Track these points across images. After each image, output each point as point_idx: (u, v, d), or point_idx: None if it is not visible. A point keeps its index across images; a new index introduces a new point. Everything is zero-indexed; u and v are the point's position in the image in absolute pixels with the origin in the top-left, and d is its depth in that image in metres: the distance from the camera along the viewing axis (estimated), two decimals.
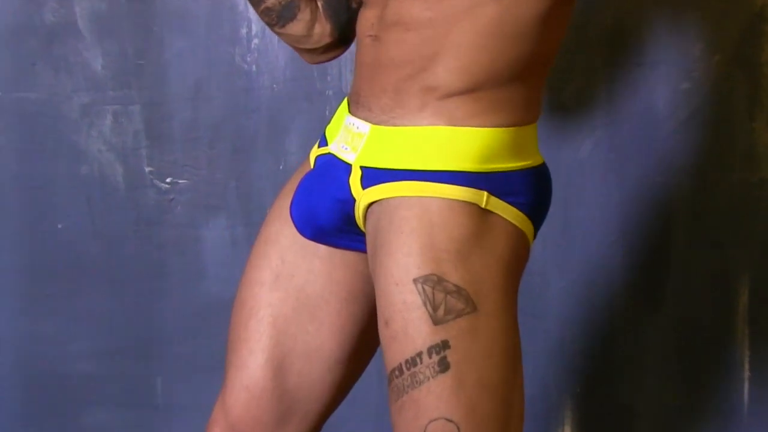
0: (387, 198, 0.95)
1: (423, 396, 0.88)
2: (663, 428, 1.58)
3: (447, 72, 0.92)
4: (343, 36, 1.06)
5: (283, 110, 1.55)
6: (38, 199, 1.59)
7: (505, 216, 0.94)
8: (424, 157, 0.94)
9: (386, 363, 0.92)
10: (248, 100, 1.55)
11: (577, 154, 1.52)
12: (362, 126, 0.98)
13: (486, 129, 0.94)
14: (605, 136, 1.52)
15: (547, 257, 1.54)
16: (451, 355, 0.88)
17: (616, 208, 1.54)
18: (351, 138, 0.99)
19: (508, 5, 0.90)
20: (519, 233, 0.96)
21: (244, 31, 1.53)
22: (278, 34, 1.07)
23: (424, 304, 0.89)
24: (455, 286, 0.89)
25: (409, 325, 0.90)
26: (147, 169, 1.58)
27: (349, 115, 1.01)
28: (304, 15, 1.04)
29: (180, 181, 1.58)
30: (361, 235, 1.01)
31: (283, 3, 1.04)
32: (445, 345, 0.89)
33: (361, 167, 0.98)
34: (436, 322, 0.89)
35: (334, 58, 1.09)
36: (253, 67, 1.53)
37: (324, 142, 1.06)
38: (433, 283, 0.89)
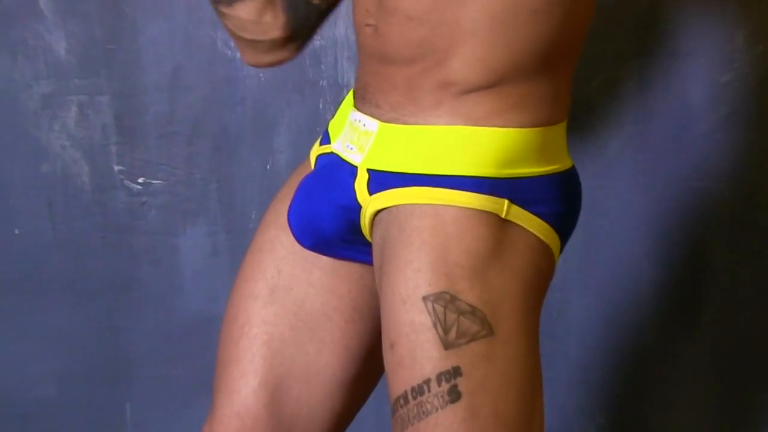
0: (397, 205, 0.95)
1: (430, 429, 0.88)
2: None
3: (464, 65, 0.92)
4: (296, 35, 1.05)
5: (271, 103, 1.55)
6: None
7: (528, 227, 0.94)
8: (439, 160, 0.94)
9: (390, 390, 0.92)
10: (232, 91, 1.55)
11: (603, 154, 1.53)
12: (370, 123, 0.98)
13: (509, 129, 0.94)
14: (635, 135, 1.52)
15: (568, 271, 1.54)
16: (462, 384, 0.88)
17: (647, 215, 1.54)
18: (357, 136, 0.99)
19: None
20: (543, 247, 0.95)
21: None
22: (222, 15, 1.04)
23: (435, 325, 0.89)
24: (470, 306, 0.89)
25: (416, 348, 0.89)
26: (116, 168, 1.58)
27: (355, 110, 1.01)
28: None
29: (154, 182, 1.59)
30: (368, 245, 1.01)
31: None
32: (456, 372, 0.89)
33: (368, 170, 0.98)
34: (447, 346, 0.89)
35: (277, 63, 1.06)
36: (238, 54, 1.53)
37: (326, 140, 1.06)
38: (445, 302, 0.89)
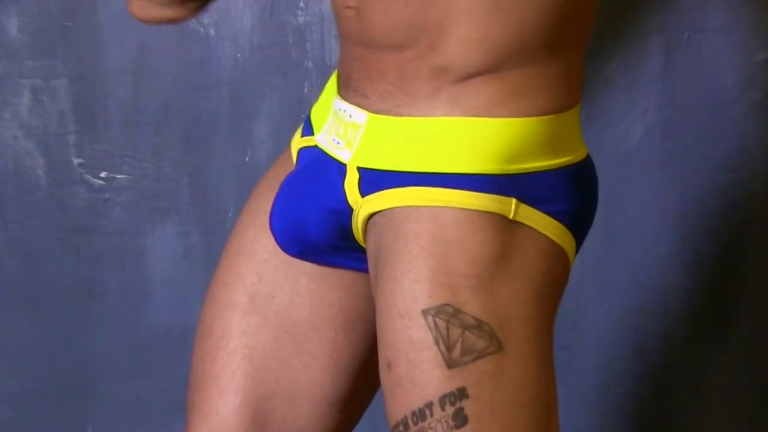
0: (391, 208, 0.95)
1: None
2: None
3: (460, 48, 0.92)
4: None
5: (250, 86, 1.55)
6: None
7: (539, 229, 0.94)
8: (437, 156, 0.94)
9: (388, 415, 0.92)
10: (205, 74, 1.54)
11: (624, 144, 1.53)
12: (357, 114, 0.98)
13: (514, 119, 0.94)
14: (659, 121, 1.52)
15: (584, 275, 1.54)
16: (469, 407, 0.88)
17: (672, 212, 1.54)
18: (344, 129, 0.99)
19: None
20: (556, 250, 0.95)
21: None
22: None
23: (436, 342, 0.89)
24: (475, 319, 0.89)
25: (416, 368, 0.89)
26: (76, 161, 1.58)
27: (339, 98, 1.01)
28: None
29: (118, 177, 1.58)
30: (362, 251, 1.01)
31: None
32: (461, 394, 0.88)
33: (359, 168, 0.97)
34: (450, 364, 0.89)
35: (170, 20, 1.03)
36: (212, 30, 1.53)
37: (309, 130, 1.06)
38: (447, 316, 0.89)
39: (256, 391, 1.05)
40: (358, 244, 1.01)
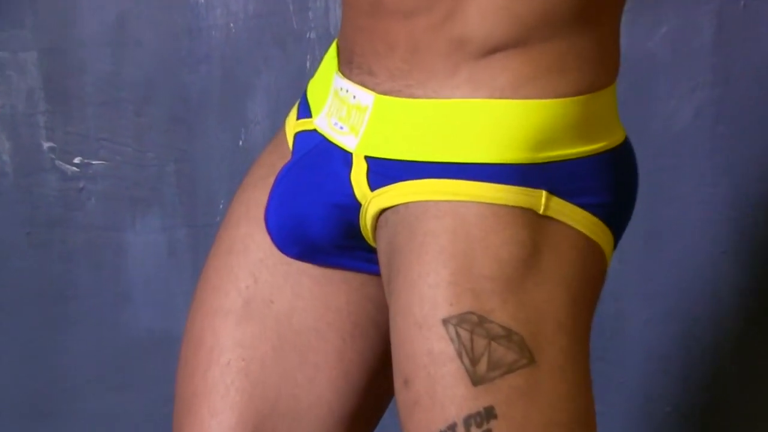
0: (405, 203, 0.94)
1: None
2: None
3: (483, 16, 0.91)
4: None
5: (245, 60, 1.55)
6: None
7: (572, 224, 0.94)
8: (457, 143, 0.93)
9: None
10: (194, 46, 1.55)
11: (670, 126, 1.53)
12: (362, 95, 0.97)
13: (544, 101, 0.93)
14: (710, 101, 1.52)
15: (624, 276, 1.54)
16: (498, 428, 0.88)
17: (726, 204, 1.55)
18: (347, 112, 0.99)
19: None
20: (593, 247, 0.95)
21: None
22: None
23: (459, 355, 0.89)
24: (504, 328, 0.89)
25: (437, 385, 0.89)
26: (46, 146, 1.58)
27: (341, 76, 1.00)
28: None
29: (94, 163, 1.58)
30: (370, 251, 1.01)
31: None
32: (489, 414, 0.88)
33: (367, 158, 0.97)
34: (476, 381, 0.89)
35: None
36: None
37: (306, 111, 1.06)
38: (471, 325, 0.89)
39: (253, 410, 1.05)
40: (367, 243, 1.01)
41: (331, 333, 1.06)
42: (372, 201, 0.97)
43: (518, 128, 0.93)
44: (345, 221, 1.00)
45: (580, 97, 0.94)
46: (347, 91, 0.98)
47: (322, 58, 1.51)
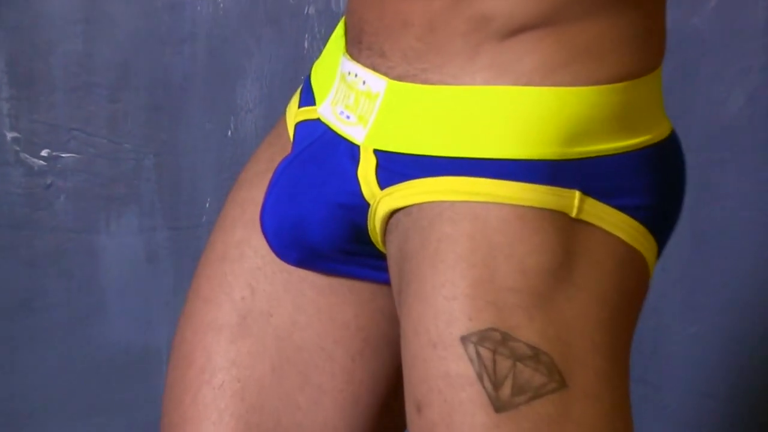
0: (419, 204, 0.94)
1: None
2: None
3: None
4: None
5: (234, 40, 1.56)
6: None
7: (609, 229, 0.94)
8: (478, 136, 0.93)
9: None
10: (176, 24, 1.56)
11: (719, 116, 1.53)
12: (373, 81, 0.97)
13: (577, 89, 0.93)
14: (764, 86, 1.52)
15: (667, 286, 1.55)
16: None
17: None
18: (355, 99, 0.99)
19: None
20: (633, 256, 0.95)
21: None
22: None
23: (480, 377, 0.89)
24: (530, 347, 0.89)
25: (455, 412, 0.89)
26: (10, 136, 1.59)
27: (348, 58, 1.00)
28: None
29: (64, 156, 1.59)
30: (379, 257, 1.01)
31: None
32: None
33: (376, 151, 0.97)
34: (499, 407, 0.88)
35: None
36: None
37: (309, 98, 1.06)
38: (493, 344, 0.89)
39: None
40: (376, 248, 1.01)
41: (338, 351, 1.07)
42: (381, 201, 0.97)
43: (548, 119, 0.93)
44: (350, 223, 1.00)
45: (619, 84, 0.94)
46: (356, 75, 0.99)
47: (322, 38, 1.51)
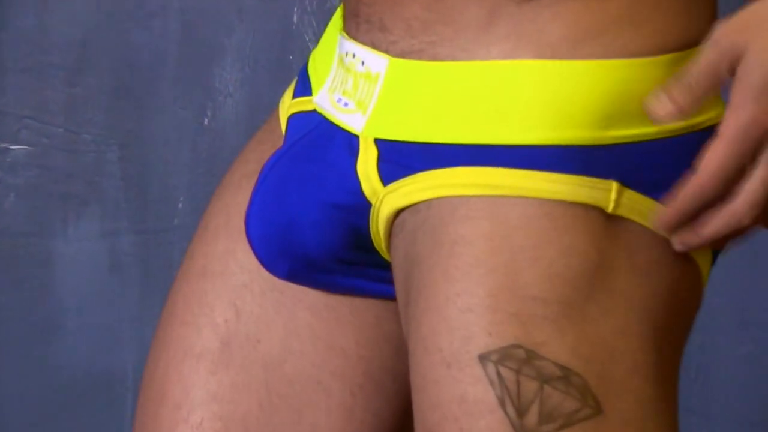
0: (428, 200, 0.94)
1: None
2: None
3: None
4: None
5: (211, 15, 1.56)
6: None
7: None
8: (496, 119, 0.93)
9: None
10: None
11: None
12: (372, 60, 0.97)
13: (613, 62, 0.93)
14: None
15: (715, 298, 1.52)
16: None
17: None
18: (353, 83, 0.99)
19: None
20: (682, 260, 0.95)
21: None
22: None
23: (502, 402, 0.88)
24: (560, 367, 0.89)
25: None
26: None
27: (346, 37, 1.00)
28: None
29: (13, 149, 1.59)
30: (384, 267, 1.01)
31: None
32: None
33: (377, 141, 0.97)
34: None
35: None
36: None
37: (305, 87, 1.06)
38: (517, 363, 0.89)
39: None
40: (380, 256, 1.01)
41: (336, 384, 1.07)
42: (384, 199, 0.97)
43: (578, 98, 0.93)
44: (349, 227, 1.00)
45: (663, 57, 0.94)
46: (354, 55, 0.99)
47: (314, 12, 1.50)
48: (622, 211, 0.92)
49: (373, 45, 0.97)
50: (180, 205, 1.59)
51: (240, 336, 1.06)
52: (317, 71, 1.05)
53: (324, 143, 1.00)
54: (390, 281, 1.00)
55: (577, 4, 0.92)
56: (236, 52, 1.57)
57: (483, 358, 0.89)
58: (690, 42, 0.94)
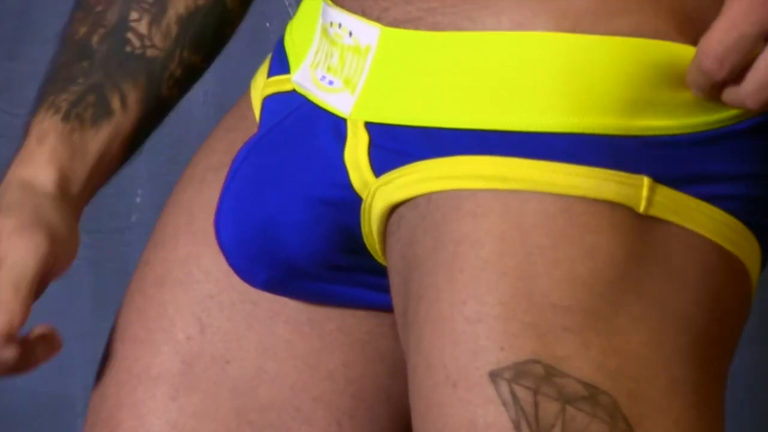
0: (427, 194, 0.95)
1: None
2: None
3: None
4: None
5: None
6: None
7: (692, 226, 0.94)
8: (507, 100, 0.94)
9: None
10: None
11: None
12: (362, 30, 0.98)
13: (645, 40, 0.94)
14: None
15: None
16: None
17: None
18: (339, 58, 1.00)
19: None
20: (727, 262, 0.96)
21: None
22: None
23: (517, 427, 0.89)
24: (586, 385, 0.89)
25: None
26: None
27: (330, 4, 1.01)
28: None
29: None
30: (379, 273, 1.02)
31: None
32: None
33: (368, 125, 0.98)
34: None
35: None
36: None
37: (282, 64, 1.07)
38: (535, 381, 0.89)
39: None
40: (373, 259, 1.01)
41: (320, 412, 1.08)
42: (377, 192, 0.97)
43: (603, 79, 0.93)
44: (337, 226, 1.01)
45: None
46: (340, 25, 0.99)
47: None
48: (655, 211, 0.92)
49: (363, 13, 0.97)
50: (138, 199, 1.59)
51: (205, 355, 1.07)
52: (296, 45, 1.05)
53: (306, 128, 1.01)
54: (385, 289, 1.00)
55: None
56: None
57: (494, 376, 0.89)
58: None
